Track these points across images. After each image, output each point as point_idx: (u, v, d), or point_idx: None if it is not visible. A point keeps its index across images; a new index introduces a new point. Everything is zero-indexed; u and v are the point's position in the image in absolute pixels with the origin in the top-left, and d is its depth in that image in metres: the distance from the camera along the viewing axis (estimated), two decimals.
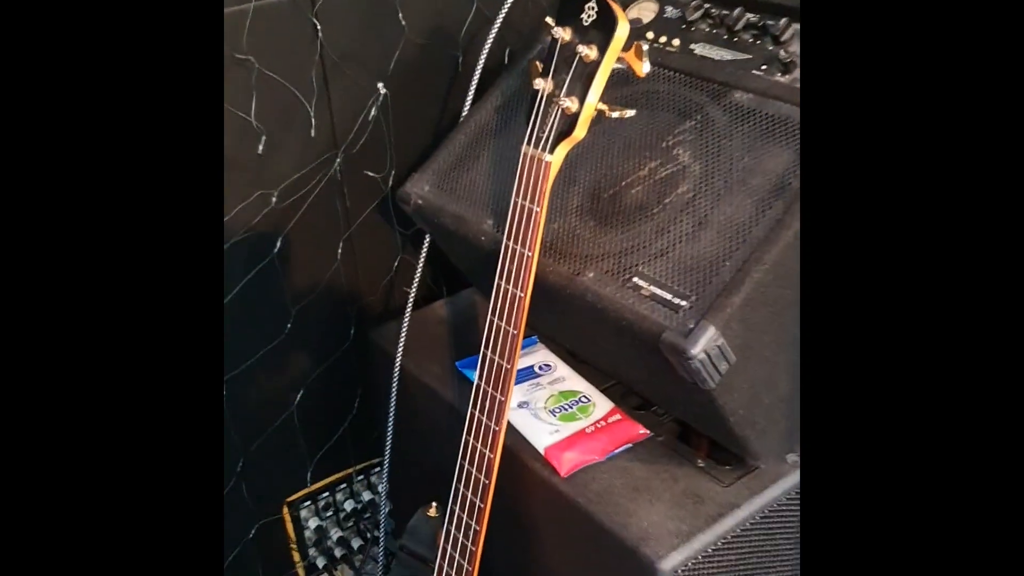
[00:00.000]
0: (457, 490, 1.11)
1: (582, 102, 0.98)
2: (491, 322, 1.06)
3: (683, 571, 0.99)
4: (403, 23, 1.44)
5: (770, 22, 1.11)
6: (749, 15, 1.13)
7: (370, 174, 1.51)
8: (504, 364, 1.05)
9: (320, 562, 1.71)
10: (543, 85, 1.01)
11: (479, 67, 1.29)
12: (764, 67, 1.08)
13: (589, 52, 0.97)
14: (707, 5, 1.17)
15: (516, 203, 1.03)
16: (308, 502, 1.68)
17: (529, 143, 1.01)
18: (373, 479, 1.74)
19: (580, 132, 0.99)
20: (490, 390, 1.06)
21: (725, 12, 1.15)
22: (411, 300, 1.35)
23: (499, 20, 1.27)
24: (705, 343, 0.92)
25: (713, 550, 1.01)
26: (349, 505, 1.71)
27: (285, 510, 1.66)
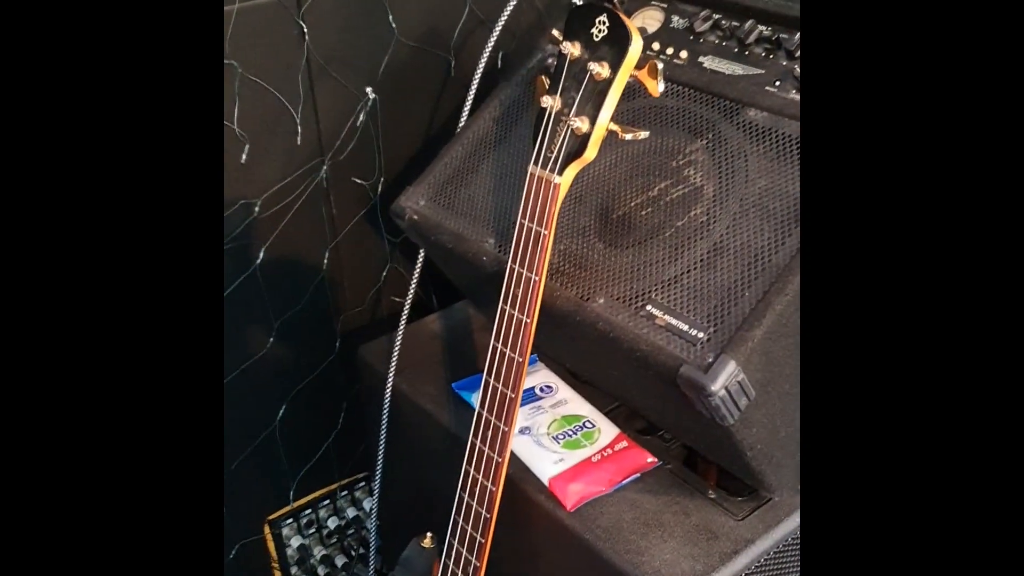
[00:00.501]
0: (456, 523, 1.06)
1: (593, 122, 0.93)
2: (494, 347, 1.01)
3: None
4: (393, 25, 1.38)
5: (783, 36, 1.06)
6: (761, 27, 1.08)
7: (358, 181, 1.45)
8: (508, 393, 1.00)
9: None
10: (551, 103, 0.96)
11: (477, 75, 1.23)
12: (778, 83, 1.04)
13: (601, 70, 0.92)
14: (716, 16, 1.12)
15: (522, 225, 0.98)
16: (290, 520, 1.62)
17: (536, 163, 0.96)
18: (358, 495, 1.69)
19: (591, 153, 0.94)
20: (492, 419, 1.02)
21: (735, 24, 1.10)
22: (404, 316, 1.30)
23: (498, 27, 1.22)
24: (725, 379, 0.87)
25: None
26: (333, 522, 1.66)
27: (267, 528, 1.60)
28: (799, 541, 1.04)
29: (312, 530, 1.65)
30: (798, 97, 1.01)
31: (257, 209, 1.35)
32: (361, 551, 1.70)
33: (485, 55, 1.24)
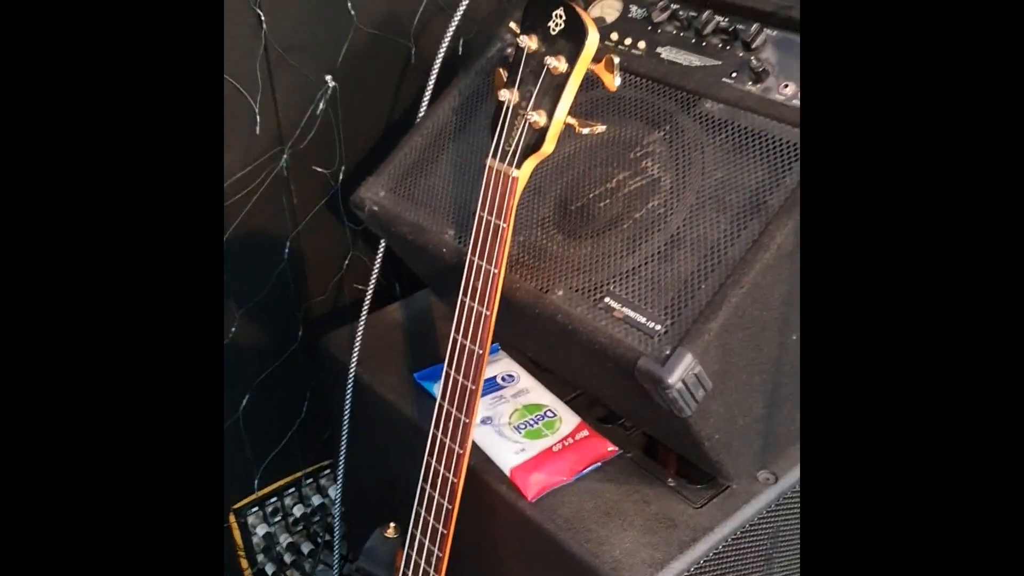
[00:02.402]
0: (418, 514, 1.07)
1: (551, 117, 0.93)
2: (454, 340, 1.01)
3: None
4: (352, 12, 1.37)
5: (740, 27, 1.06)
6: (719, 18, 1.08)
7: (318, 170, 1.45)
8: (469, 384, 1.00)
9: (269, 569, 1.66)
10: (508, 96, 0.96)
11: (437, 62, 1.22)
12: (734, 74, 1.04)
13: (557, 64, 0.92)
14: (674, 6, 1.12)
15: (481, 218, 0.98)
16: (255, 508, 1.62)
17: (495, 156, 0.96)
18: (323, 482, 1.69)
19: (548, 147, 0.94)
20: (453, 411, 1.02)
21: (693, 14, 1.10)
22: (366, 306, 1.30)
23: (458, 15, 1.21)
24: (682, 371, 0.88)
25: None
26: (299, 510, 1.66)
27: (232, 517, 1.60)
28: (757, 527, 1.05)
29: (278, 518, 1.65)
30: (754, 88, 1.02)
31: None
32: (327, 538, 1.71)
33: (445, 43, 1.23)
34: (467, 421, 1.01)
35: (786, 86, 0.99)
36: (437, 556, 1.06)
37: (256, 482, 1.59)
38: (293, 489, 1.65)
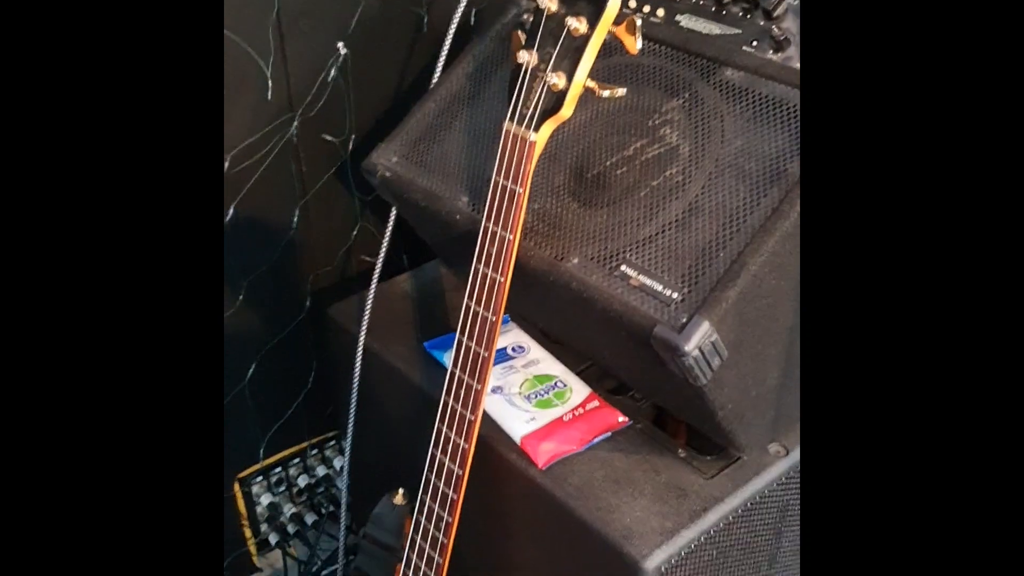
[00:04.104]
0: (428, 479, 1.06)
1: (570, 79, 0.92)
2: (467, 307, 1.00)
3: (666, 568, 0.96)
4: None
5: None
6: None
7: (328, 138, 1.44)
8: (481, 352, 1.00)
9: (273, 538, 1.66)
10: (527, 59, 0.95)
11: (451, 30, 1.21)
12: (755, 43, 1.03)
13: (578, 25, 0.91)
14: None
15: (497, 183, 0.97)
16: (260, 477, 1.62)
17: (512, 120, 0.95)
18: (328, 453, 1.69)
19: (567, 111, 0.93)
20: (465, 378, 1.01)
21: None
22: (376, 275, 1.29)
23: None
24: (699, 339, 0.88)
25: (695, 546, 0.99)
26: (303, 480, 1.66)
27: (236, 486, 1.60)
28: (767, 499, 1.05)
29: (282, 488, 1.65)
30: (775, 57, 1.01)
31: (226, 165, 1.33)
32: (331, 509, 1.71)
33: (459, 9, 1.22)
34: (479, 388, 1.00)
35: None
36: (447, 522, 1.05)
37: (261, 451, 1.59)
38: (298, 460, 1.65)
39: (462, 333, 1.01)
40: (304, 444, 1.65)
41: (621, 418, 1.11)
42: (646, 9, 1.13)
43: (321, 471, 1.68)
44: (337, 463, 1.69)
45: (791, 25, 1.02)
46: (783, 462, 1.06)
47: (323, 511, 1.70)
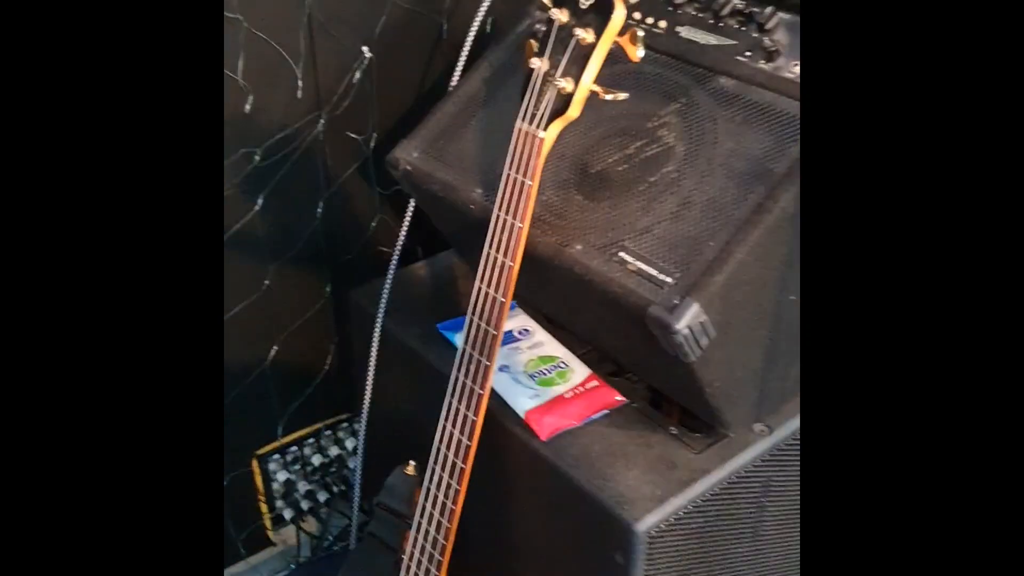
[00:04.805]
0: (439, 450, 1.15)
1: (577, 83, 1.01)
2: (479, 289, 1.09)
3: (656, 532, 1.05)
4: None
5: (755, 9, 1.14)
6: (735, 1, 1.17)
7: (352, 136, 1.53)
8: (490, 330, 1.09)
9: (287, 514, 1.75)
10: (539, 64, 1.04)
11: (470, 37, 1.31)
12: (748, 54, 1.13)
13: (586, 35, 1.00)
14: None
15: (509, 176, 1.06)
16: (277, 455, 1.71)
17: (524, 119, 1.05)
18: (340, 434, 1.78)
19: (574, 112, 1.03)
20: (475, 354, 1.10)
21: None
22: (395, 260, 1.39)
23: None
24: (689, 319, 0.97)
25: (684, 513, 1.07)
26: (317, 459, 1.75)
27: (255, 463, 1.69)
28: (751, 473, 1.14)
29: (297, 466, 1.74)
30: (766, 66, 1.10)
31: (258, 158, 1.43)
32: (342, 488, 1.80)
33: (478, 19, 1.32)
34: (487, 364, 1.09)
35: (795, 65, 1.08)
36: (456, 489, 1.14)
37: (280, 430, 1.68)
38: (313, 439, 1.74)
39: (473, 313, 1.10)
40: (319, 425, 1.74)
41: (618, 397, 1.20)
42: (649, 20, 1.22)
43: (334, 452, 1.77)
44: (349, 444, 1.78)
45: (781, 37, 1.11)
46: (766, 440, 1.15)
47: (335, 490, 1.79)
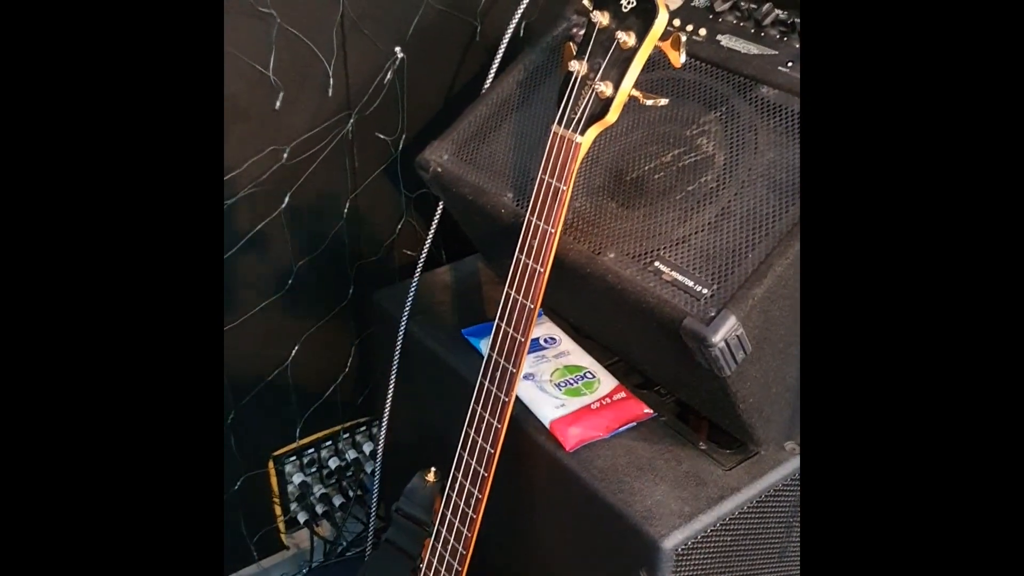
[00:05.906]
0: (461, 457, 1.13)
1: (617, 87, 0.99)
2: (507, 295, 1.07)
3: (683, 550, 1.03)
4: None
5: (798, 19, 1.12)
6: (778, 11, 1.15)
7: (381, 136, 1.51)
8: (518, 337, 1.07)
9: (301, 517, 1.73)
10: (578, 67, 1.02)
11: (505, 40, 1.29)
12: (790, 64, 1.10)
13: (627, 39, 0.98)
14: None
15: (543, 180, 1.04)
16: (294, 457, 1.69)
17: (560, 123, 1.03)
18: (358, 439, 1.76)
19: (612, 116, 1.00)
20: (502, 361, 1.08)
21: (753, 6, 1.17)
22: (420, 263, 1.37)
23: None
24: (725, 332, 0.94)
25: (711, 531, 1.05)
26: (334, 463, 1.73)
27: (271, 464, 1.67)
28: (781, 493, 1.11)
29: (313, 469, 1.72)
30: None
31: (285, 156, 1.42)
32: (358, 493, 1.77)
33: (513, 21, 1.30)
34: (514, 371, 1.07)
35: None
36: (477, 497, 1.12)
37: (298, 431, 1.66)
38: (330, 442, 1.72)
39: (501, 319, 1.08)
40: (337, 428, 1.72)
41: (646, 410, 1.18)
42: (689, 28, 1.20)
43: (351, 455, 1.75)
44: (367, 448, 1.76)
45: None
46: (798, 459, 1.12)
47: (350, 495, 1.77)
